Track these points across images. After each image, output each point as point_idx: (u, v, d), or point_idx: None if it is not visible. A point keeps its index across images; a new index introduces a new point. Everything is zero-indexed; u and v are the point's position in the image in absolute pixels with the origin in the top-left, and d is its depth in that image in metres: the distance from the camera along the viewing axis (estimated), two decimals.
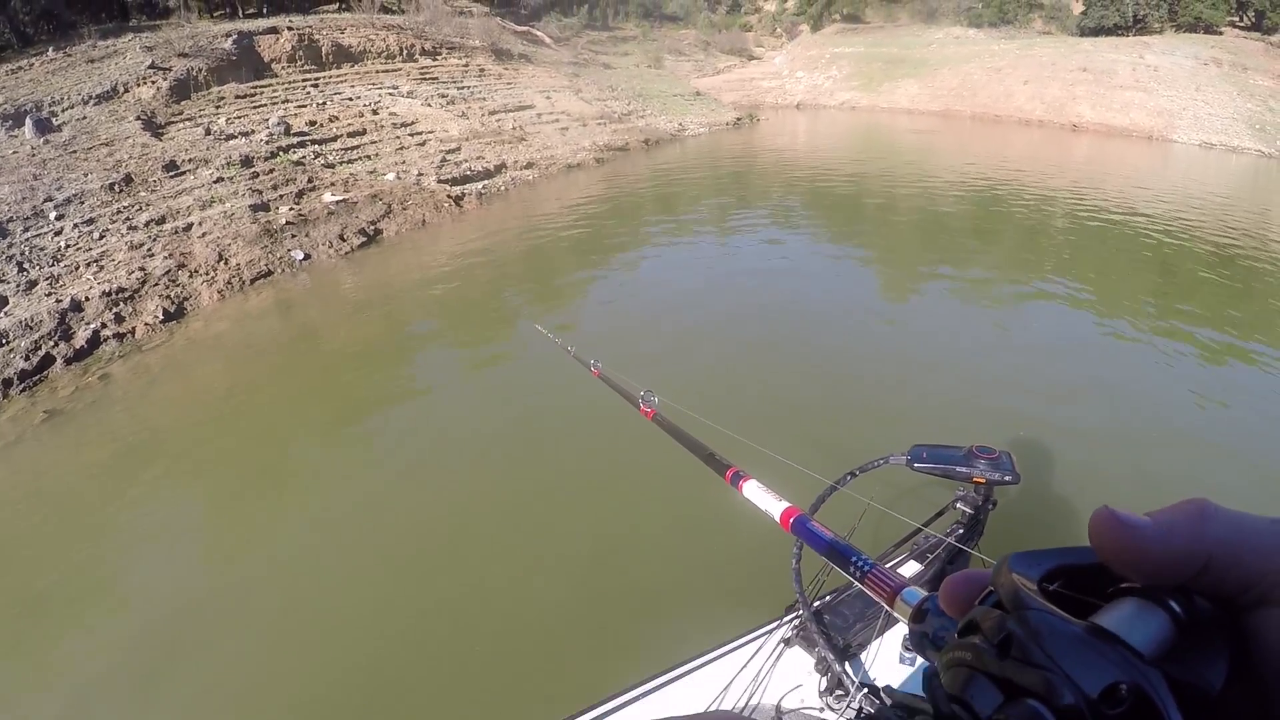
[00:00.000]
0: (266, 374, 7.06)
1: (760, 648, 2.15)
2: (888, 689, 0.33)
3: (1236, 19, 34.08)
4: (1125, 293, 8.99)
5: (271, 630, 3.90)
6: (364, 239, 10.37)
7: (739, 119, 26.02)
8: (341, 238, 10.14)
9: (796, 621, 2.17)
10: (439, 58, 20.26)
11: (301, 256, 9.48)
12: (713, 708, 1.99)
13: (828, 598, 2.45)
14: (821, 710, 1.98)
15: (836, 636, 2.20)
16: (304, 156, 12.32)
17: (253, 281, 8.87)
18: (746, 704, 2.00)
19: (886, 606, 0.80)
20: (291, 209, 10.41)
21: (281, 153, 12.07)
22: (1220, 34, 32.72)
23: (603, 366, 2.32)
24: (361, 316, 8.18)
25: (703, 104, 26.54)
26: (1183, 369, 6.81)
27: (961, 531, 2.49)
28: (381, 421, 6.17)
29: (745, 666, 2.08)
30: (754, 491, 1.22)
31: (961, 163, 19.00)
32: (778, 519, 1.12)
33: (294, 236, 9.87)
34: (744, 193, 15.43)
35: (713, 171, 17.60)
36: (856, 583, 0.89)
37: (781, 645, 2.14)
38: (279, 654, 3.75)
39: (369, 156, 13.27)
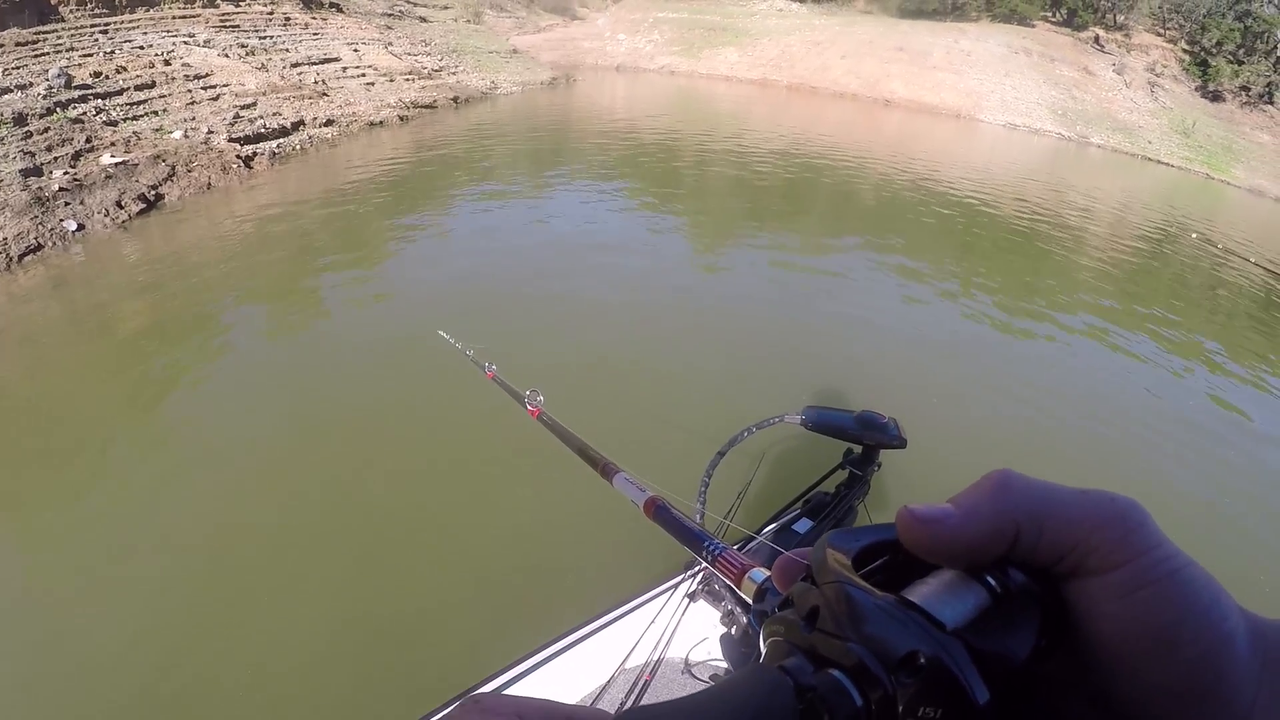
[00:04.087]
0: (43, 364, 6.62)
1: (665, 603, 2.15)
2: None
3: (1050, 14, 37.78)
4: (933, 257, 10.68)
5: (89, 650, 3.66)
6: (144, 205, 10.53)
7: (554, 79, 26.77)
8: (119, 204, 10.31)
9: (700, 576, 2.19)
10: (242, 3, 19.72)
11: (75, 227, 9.58)
12: (620, 665, 2.04)
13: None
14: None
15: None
16: (84, 112, 12.21)
17: (21, 258, 8.72)
18: (654, 659, 2.03)
19: (734, 587, 0.86)
20: (66, 173, 10.45)
21: (59, 109, 11.93)
22: (1033, 27, 36.35)
23: (497, 369, 2.32)
24: (145, 295, 7.90)
25: (518, 62, 26.94)
26: (984, 327, 8.42)
27: (850, 490, 2.55)
28: (186, 412, 5.83)
29: (652, 623, 2.08)
30: (622, 483, 1.30)
31: (778, 132, 20.45)
32: (641, 508, 1.20)
33: (67, 204, 9.94)
34: (560, 158, 16.14)
35: (524, 133, 18.28)
36: (709, 566, 0.94)
37: (686, 600, 2.13)
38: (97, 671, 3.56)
39: (156, 112, 13.25)
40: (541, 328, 7.39)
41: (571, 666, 2.14)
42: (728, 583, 0.97)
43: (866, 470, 2.43)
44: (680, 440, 5.46)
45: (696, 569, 2.21)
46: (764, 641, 0.35)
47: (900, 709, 0.28)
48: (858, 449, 2.32)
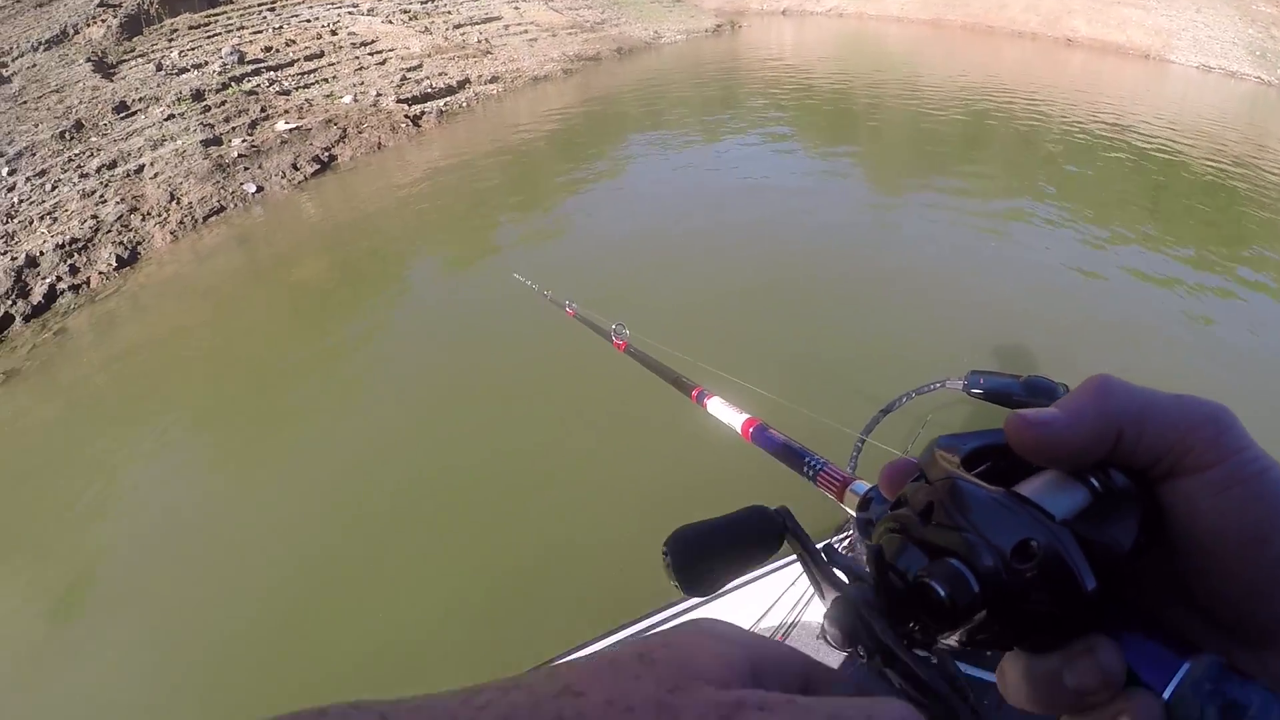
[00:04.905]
0: (224, 310, 7.08)
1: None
2: None
3: None
4: (1117, 214, 8.91)
5: (262, 574, 3.94)
6: (318, 166, 10.26)
7: (719, 26, 25.14)
8: (295, 166, 10.05)
9: (846, 542, 2.15)
10: None
11: (254, 189, 9.43)
12: (755, 624, 2.02)
13: None
14: None
15: None
16: (257, 85, 12.09)
17: (205, 219, 8.81)
18: (790, 621, 2.03)
19: (837, 500, 0.87)
20: (244, 141, 10.30)
21: (234, 83, 11.85)
22: None
23: (578, 307, 2.36)
24: (320, 248, 8.13)
25: (681, 10, 25.62)
26: (1179, 294, 6.98)
27: None
28: (359, 352, 6.15)
29: (792, 585, 2.09)
30: (717, 407, 1.28)
31: (952, 74, 18.38)
32: (739, 429, 1.18)
33: (246, 169, 9.80)
34: (726, 104, 14.96)
35: (691, 81, 17.05)
36: (810, 481, 0.94)
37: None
38: (272, 594, 3.81)
39: (326, 80, 13.00)
40: (706, 270, 7.07)
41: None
42: (831, 496, 0.89)
43: None
44: (827, 393, 5.06)
45: (843, 534, 2.14)
46: (876, 540, 0.36)
47: (1014, 594, 0.30)
48: None
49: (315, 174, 10.17)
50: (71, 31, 13.14)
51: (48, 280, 7.56)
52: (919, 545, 0.33)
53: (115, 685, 3.46)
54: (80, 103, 10.83)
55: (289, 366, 5.99)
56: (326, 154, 10.60)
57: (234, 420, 5.41)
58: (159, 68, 12.19)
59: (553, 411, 5.07)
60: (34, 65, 12.13)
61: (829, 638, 0.35)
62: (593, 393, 4.97)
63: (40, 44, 12.65)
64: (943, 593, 0.30)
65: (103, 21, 13.42)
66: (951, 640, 0.32)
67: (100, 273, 7.80)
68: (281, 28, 14.78)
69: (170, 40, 13.67)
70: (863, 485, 0.84)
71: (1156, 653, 0.29)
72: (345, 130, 11.27)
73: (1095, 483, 0.32)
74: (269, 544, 4.12)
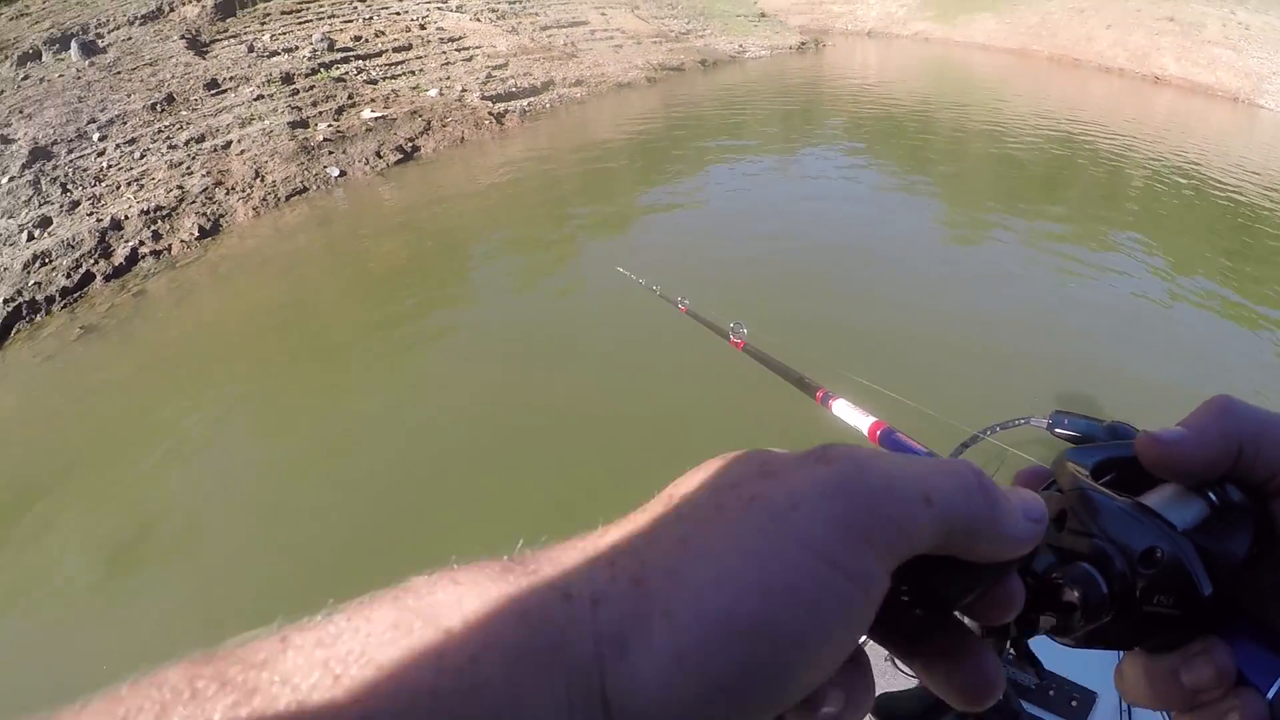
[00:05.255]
0: (301, 286, 7.17)
1: None
2: None
3: None
4: (1199, 257, 8.59)
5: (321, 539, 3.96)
6: (401, 156, 10.20)
7: (803, 43, 24.78)
8: (378, 154, 10.00)
9: None
10: None
11: (337, 173, 9.39)
12: None
13: None
14: None
15: None
16: (346, 73, 12.11)
17: (288, 198, 8.82)
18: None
19: None
20: (330, 125, 10.28)
21: (323, 69, 11.87)
22: None
23: (690, 303, 2.36)
24: (399, 234, 8.12)
25: (767, 26, 25.34)
26: (1261, 336, 6.70)
27: None
28: (424, 338, 6.13)
29: None
30: (843, 409, 1.31)
31: (1038, 106, 17.90)
32: (865, 432, 1.21)
33: (330, 153, 9.76)
34: (809, 121, 14.74)
35: (775, 97, 16.80)
36: None
37: None
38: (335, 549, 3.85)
39: (413, 72, 12.98)
40: (781, 290, 6.80)
41: None
42: None
43: None
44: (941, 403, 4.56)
45: None
46: None
47: (1139, 598, 0.32)
48: None
49: (398, 163, 10.12)
50: (167, 9, 13.28)
51: (130, 244, 7.55)
52: (1049, 548, 0.34)
53: (165, 636, 3.40)
54: (172, 77, 10.89)
55: (360, 344, 6.09)
56: (410, 144, 10.53)
57: (302, 389, 5.54)
58: (250, 49, 12.26)
59: (662, 402, 5.04)
60: (129, 38, 12.27)
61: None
62: (707, 388, 4.88)
63: (136, 19, 12.79)
64: (1075, 594, 0.31)
65: (198, 1, 13.58)
66: (1069, 640, 0.33)
67: (182, 241, 7.80)
68: (371, 19, 14.83)
69: (263, 23, 13.77)
70: None
71: (1264, 656, 0.31)
72: (429, 122, 11.21)
73: (1213, 496, 0.33)
74: (330, 508, 4.18)
